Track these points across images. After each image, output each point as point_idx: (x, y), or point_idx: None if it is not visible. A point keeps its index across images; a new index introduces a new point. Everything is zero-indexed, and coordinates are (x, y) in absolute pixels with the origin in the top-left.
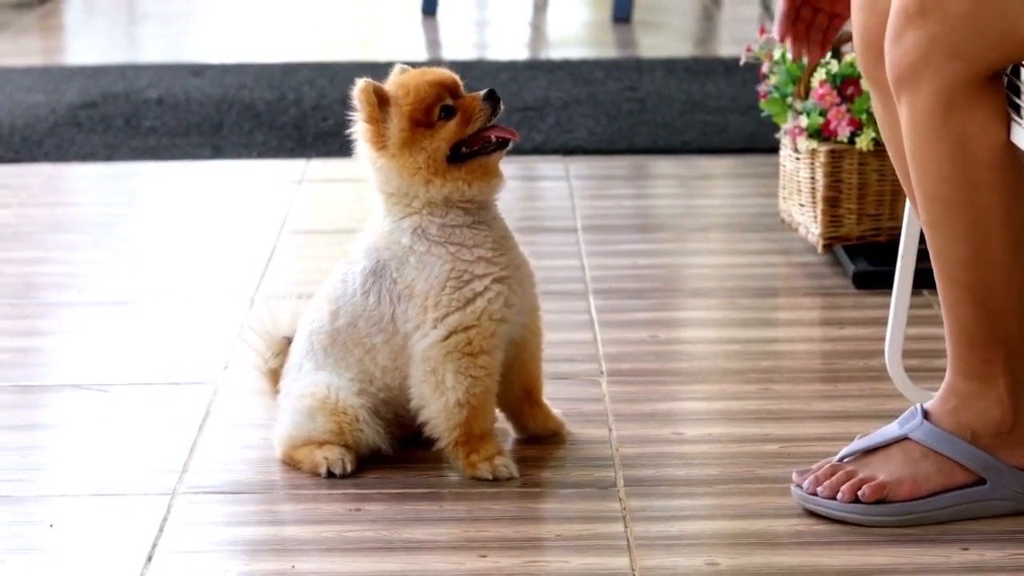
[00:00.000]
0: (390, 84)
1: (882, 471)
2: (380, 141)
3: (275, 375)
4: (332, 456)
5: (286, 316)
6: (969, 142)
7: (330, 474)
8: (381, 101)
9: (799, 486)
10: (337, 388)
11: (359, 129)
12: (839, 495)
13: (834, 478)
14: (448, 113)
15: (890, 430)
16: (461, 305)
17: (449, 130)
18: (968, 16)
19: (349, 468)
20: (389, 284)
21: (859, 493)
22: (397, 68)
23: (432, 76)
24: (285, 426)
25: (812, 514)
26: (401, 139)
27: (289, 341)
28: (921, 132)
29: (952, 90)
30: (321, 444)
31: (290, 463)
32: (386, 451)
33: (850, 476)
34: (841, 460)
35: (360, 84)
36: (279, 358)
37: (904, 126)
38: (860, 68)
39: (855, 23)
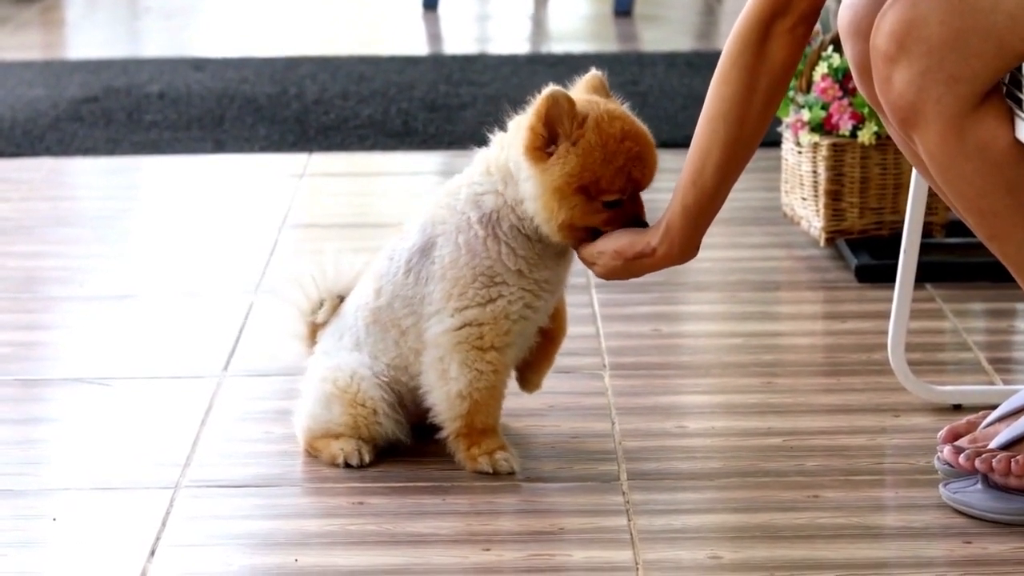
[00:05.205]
0: (596, 116)
1: None
2: (539, 155)
3: (316, 330)
4: (348, 448)
5: (350, 274)
6: (988, 150)
7: (347, 465)
8: (568, 121)
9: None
10: (361, 378)
11: (527, 124)
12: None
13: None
14: (610, 205)
15: None
16: (483, 302)
17: (598, 217)
18: (953, 41)
19: (367, 459)
20: (428, 264)
21: None
22: (600, 101)
23: (637, 171)
24: (304, 417)
25: (815, 508)
26: (558, 185)
27: (343, 300)
28: (943, 160)
29: (960, 112)
30: (338, 436)
31: (312, 452)
32: (405, 441)
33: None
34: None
35: (554, 94)
36: (326, 313)
37: (926, 159)
38: (862, 95)
39: (847, 53)
